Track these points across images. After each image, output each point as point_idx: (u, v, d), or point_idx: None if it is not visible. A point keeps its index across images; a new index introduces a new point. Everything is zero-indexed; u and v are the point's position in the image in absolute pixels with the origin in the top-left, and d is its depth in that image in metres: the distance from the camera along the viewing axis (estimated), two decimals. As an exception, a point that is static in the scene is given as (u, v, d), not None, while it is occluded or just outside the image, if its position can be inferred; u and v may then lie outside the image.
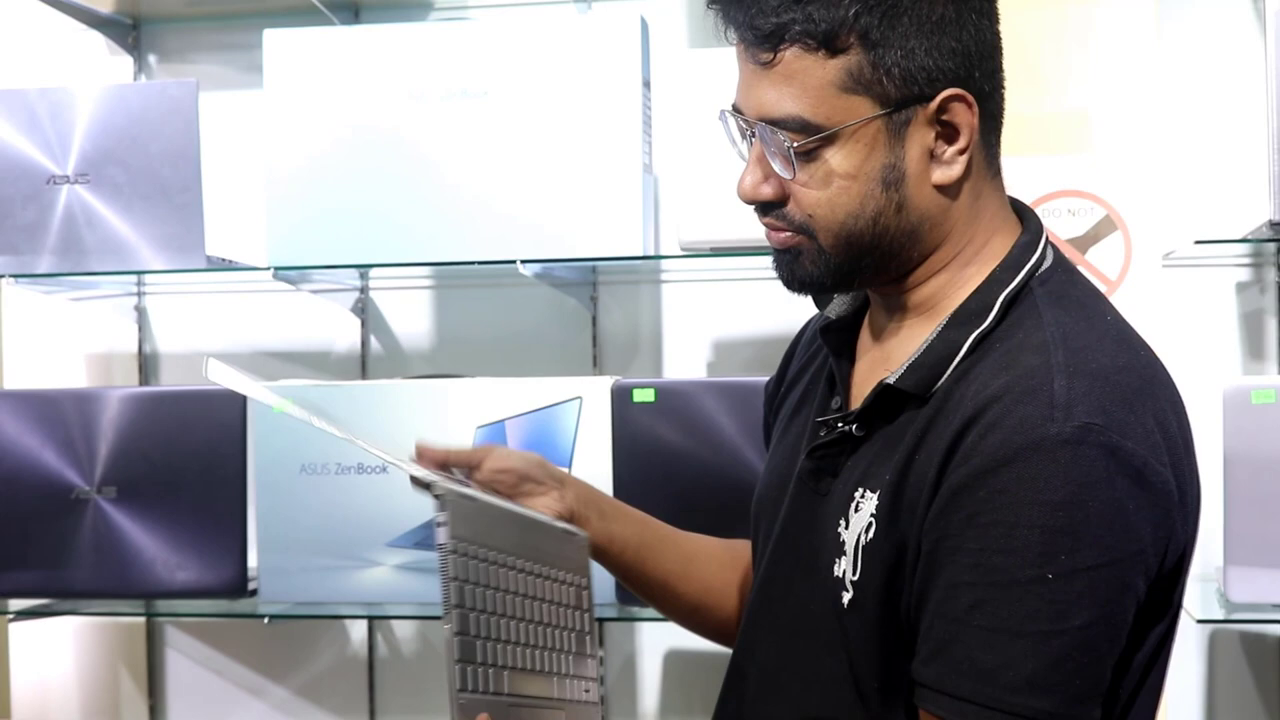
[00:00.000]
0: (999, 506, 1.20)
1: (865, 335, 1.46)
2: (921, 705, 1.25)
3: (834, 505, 1.37)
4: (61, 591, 2.56)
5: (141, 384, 2.91)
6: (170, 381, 2.93)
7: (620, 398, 2.33)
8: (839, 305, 1.47)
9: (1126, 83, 2.34)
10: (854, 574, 1.31)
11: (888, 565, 1.29)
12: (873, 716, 1.33)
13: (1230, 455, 2.22)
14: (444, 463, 1.51)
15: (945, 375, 1.31)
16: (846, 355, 1.45)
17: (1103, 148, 2.34)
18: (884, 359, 1.40)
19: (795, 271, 1.36)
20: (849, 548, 1.32)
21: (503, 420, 2.35)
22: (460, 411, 2.36)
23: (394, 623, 2.79)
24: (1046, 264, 1.36)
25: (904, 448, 1.30)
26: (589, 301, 2.69)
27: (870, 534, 1.31)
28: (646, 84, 2.37)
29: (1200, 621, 2.34)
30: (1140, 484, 1.21)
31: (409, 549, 2.37)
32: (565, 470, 1.53)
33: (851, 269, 1.35)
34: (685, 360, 2.69)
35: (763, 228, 1.38)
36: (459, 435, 2.34)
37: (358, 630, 2.82)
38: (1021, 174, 2.18)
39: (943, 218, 1.33)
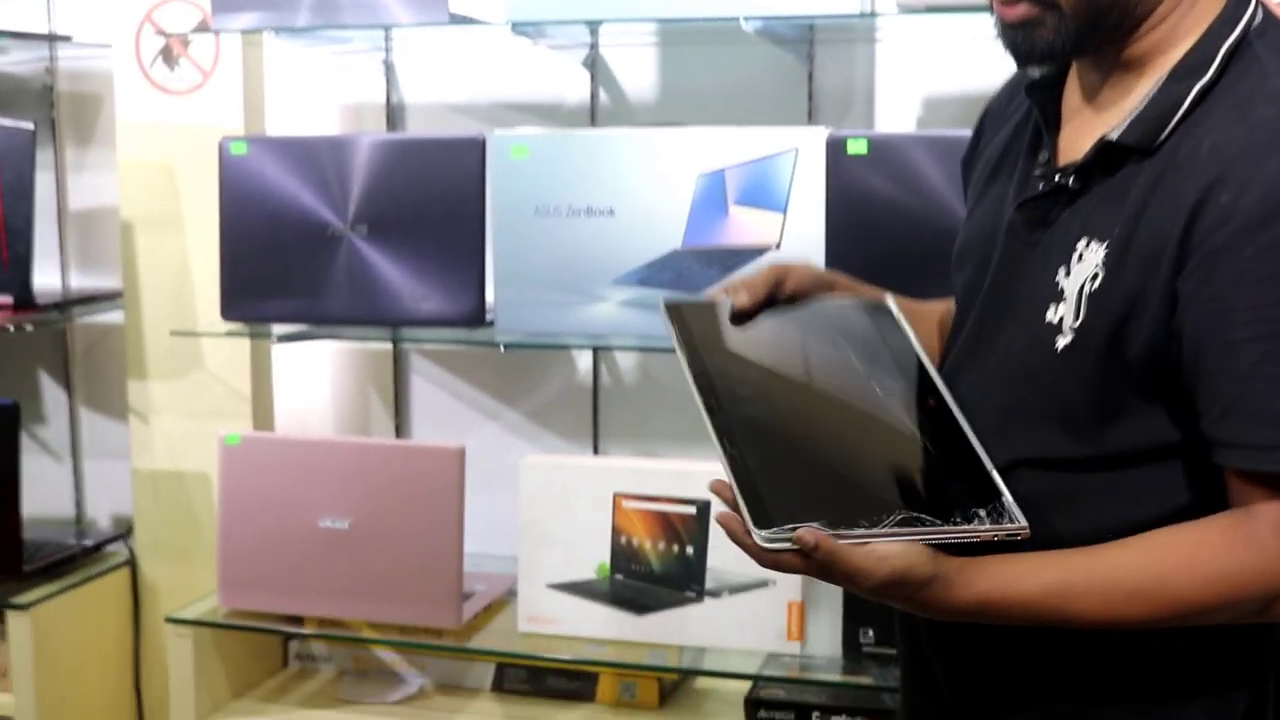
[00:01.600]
0: (1268, 261, 1.20)
1: (1072, 94, 1.43)
2: (1223, 462, 1.26)
3: (1049, 254, 1.36)
4: (318, 319, 2.65)
5: (389, 131, 2.93)
6: (415, 129, 2.94)
7: (834, 149, 2.31)
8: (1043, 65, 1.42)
9: None
10: (1074, 320, 1.31)
11: (1114, 314, 1.28)
12: (1085, 452, 1.33)
13: None
14: (756, 300, 1.47)
15: (1168, 129, 1.29)
16: (1051, 114, 1.43)
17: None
18: (1094, 117, 1.37)
19: (1035, 43, 1.33)
20: (1069, 294, 1.32)
21: (722, 169, 2.36)
22: (681, 159, 2.37)
23: (617, 354, 2.82)
24: (1260, 18, 1.33)
25: (1132, 202, 1.29)
26: (805, 58, 2.64)
27: (1096, 283, 1.30)
28: None
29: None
30: None
31: (633, 286, 2.41)
32: (832, 273, 1.57)
33: (1090, 31, 1.32)
34: (896, 115, 2.64)
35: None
36: (681, 181, 2.37)
37: (584, 360, 2.87)
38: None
39: None
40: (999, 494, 1.32)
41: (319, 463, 2.59)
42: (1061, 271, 1.33)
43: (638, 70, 2.81)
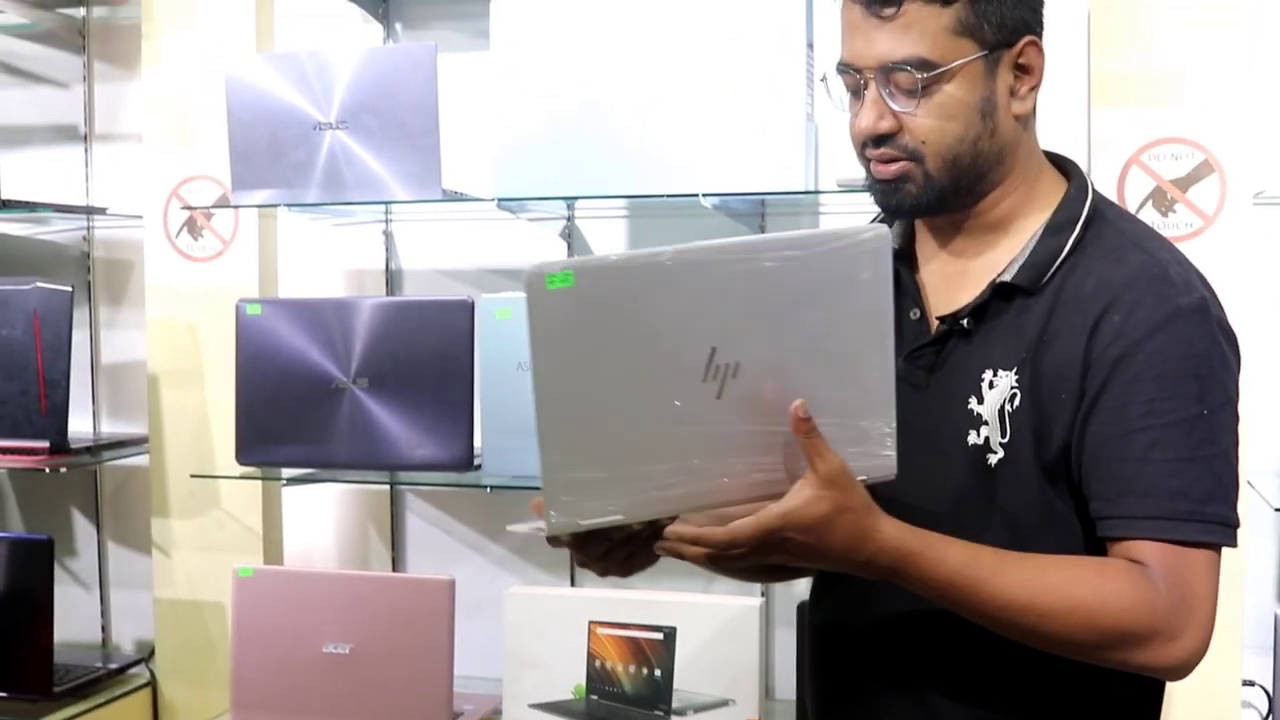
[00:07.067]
0: (1159, 363, 1.36)
1: (930, 257, 1.54)
2: (1121, 534, 1.37)
3: (950, 390, 1.45)
4: (323, 463, 2.67)
5: (388, 294, 2.98)
6: (411, 292, 2.99)
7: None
8: (897, 238, 1.53)
9: (1219, 34, 2.41)
10: (1002, 437, 1.42)
11: (1035, 425, 1.40)
12: (1027, 548, 1.40)
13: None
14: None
15: (1050, 272, 1.43)
16: (909, 276, 1.53)
17: (1199, 97, 2.43)
18: (963, 271, 1.50)
19: (902, 199, 1.45)
20: (990, 416, 1.42)
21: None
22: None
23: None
24: (1094, 195, 1.50)
25: (1031, 331, 1.42)
26: (757, 229, 2.72)
27: (1016, 403, 1.41)
28: (810, 45, 2.42)
29: (1277, 510, 2.38)
30: (1230, 343, 1.42)
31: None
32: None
33: (951, 190, 1.44)
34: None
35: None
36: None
37: (564, 502, 2.88)
38: (1126, 125, 2.37)
39: (1017, 144, 1.47)
40: None
41: (323, 593, 2.60)
42: (973, 400, 1.44)
43: (609, 239, 2.89)
